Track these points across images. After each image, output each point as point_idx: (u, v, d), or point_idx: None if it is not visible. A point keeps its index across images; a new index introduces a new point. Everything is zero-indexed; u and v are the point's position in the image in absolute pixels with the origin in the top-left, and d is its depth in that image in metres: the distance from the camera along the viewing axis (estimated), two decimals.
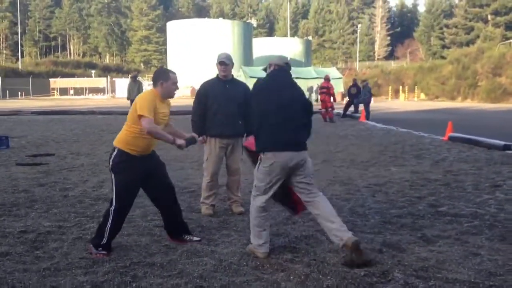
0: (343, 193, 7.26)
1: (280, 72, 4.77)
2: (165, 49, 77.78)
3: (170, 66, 61.20)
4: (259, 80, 4.80)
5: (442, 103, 42.64)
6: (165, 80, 4.69)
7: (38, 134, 15.98)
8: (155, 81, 4.72)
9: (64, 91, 72.00)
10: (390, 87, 55.12)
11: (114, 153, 4.68)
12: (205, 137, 5.99)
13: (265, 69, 4.91)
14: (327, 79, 22.37)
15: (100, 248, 4.60)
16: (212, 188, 6.07)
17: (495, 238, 5.10)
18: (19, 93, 63.20)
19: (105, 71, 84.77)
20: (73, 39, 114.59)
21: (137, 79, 21.76)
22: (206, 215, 5.95)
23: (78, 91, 71.78)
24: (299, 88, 4.76)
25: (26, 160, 10.26)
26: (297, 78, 47.35)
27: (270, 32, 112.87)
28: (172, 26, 69.52)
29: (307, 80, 49.14)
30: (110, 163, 4.68)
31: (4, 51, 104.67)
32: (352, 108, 24.98)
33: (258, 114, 4.57)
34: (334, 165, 9.85)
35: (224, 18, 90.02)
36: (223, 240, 5.04)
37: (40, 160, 10.19)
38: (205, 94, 6.03)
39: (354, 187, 7.70)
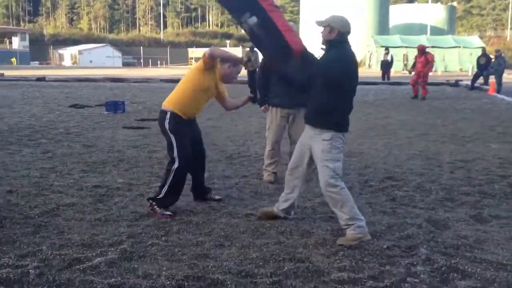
0: (419, 168, 7.01)
1: None
2: (299, 18, 77.87)
3: (301, 35, 61.07)
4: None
5: None
6: None
7: (157, 100, 17.03)
8: None
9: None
10: None
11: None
12: (267, 106, 6.13)
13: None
14: (418, 49, 18.51)
15: (156, 205, 4.80)
16: (273, 156, 6.20)
17: None
18: (159, 62, 67.31)
19: (240, 41, 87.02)
20: (212, 10, 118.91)
21: (254, 49, 22.33)
22: (267, 181, 6.11)
23: None
24: None
25: (132, 124, 11.12)
26: (433, 47, 45.22)
27: None
28: None
29: (444, 49, 46.60)
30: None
31: (150, 22, 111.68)
32: (481, 80, 23.39)
33: None
34: (429, 139, 9.46)
35: None
36: (270, 206, 5.16)
37: (144, 124, 10.97)
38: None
39: (435, 162, 7.39)
